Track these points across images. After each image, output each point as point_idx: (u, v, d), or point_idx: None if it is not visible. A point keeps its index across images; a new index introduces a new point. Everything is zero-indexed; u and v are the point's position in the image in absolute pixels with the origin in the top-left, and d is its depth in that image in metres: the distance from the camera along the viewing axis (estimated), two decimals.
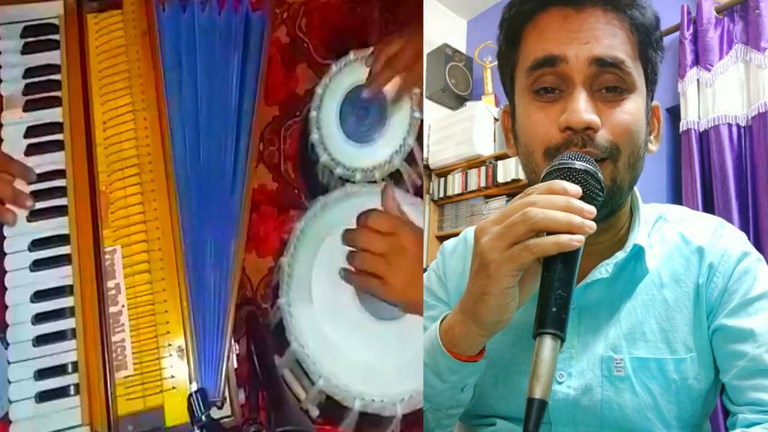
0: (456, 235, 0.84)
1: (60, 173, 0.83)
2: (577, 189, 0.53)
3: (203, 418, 0.68)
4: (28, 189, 0.81)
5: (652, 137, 0.67)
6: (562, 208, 0.51)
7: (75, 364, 0.76)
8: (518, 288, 0.54)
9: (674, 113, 2.20)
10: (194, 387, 0.75)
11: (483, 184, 2.69)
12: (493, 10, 3.21)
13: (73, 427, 0.74)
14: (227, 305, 0.80)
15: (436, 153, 2.89)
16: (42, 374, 0.75)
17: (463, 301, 0.58)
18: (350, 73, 0.91)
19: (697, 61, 2.11)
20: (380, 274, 0.71)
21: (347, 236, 0.73)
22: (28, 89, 0.86)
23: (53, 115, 0.85)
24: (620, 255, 0.66)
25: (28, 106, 0.85)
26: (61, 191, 0.82)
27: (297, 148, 0.95)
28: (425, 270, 0.81)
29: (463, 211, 2.81)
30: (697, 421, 0.67)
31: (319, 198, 0.85)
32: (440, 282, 0.79)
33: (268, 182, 0.93)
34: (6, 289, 0.78)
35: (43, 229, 0.81)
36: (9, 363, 0.76)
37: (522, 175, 2.52)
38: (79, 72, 0.86)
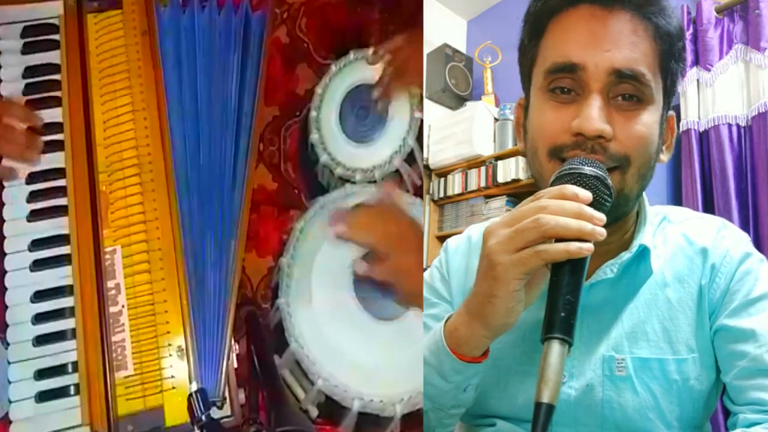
0: (456, 235, 0.84)
1: (60, 173, 0.83)
2: (587, 195, 0.53)
3: (203, 418, 0.68)
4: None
5: (664, 148, 0.67)
6: (574, 215, 0.51)
7: (75, 364, 0.76)
8: (525, 290, 0.54)
9: (674, 113, 2.20)
10: (194, 387, 0.75)
11: (483, 184, 2.68)
12: (493, 10, 3.21)
13: (73, 427, 0.74)
14: (227, 305, 0.80)
15: (436, 153, 2.89)
16: (42, 374, 0.76)
17: (469, 302, 0.58)
18: (350, 73, 0.91)
19: (697, 61, 2.11)
20: (378, 268, 0.71)
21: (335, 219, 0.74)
22: (28, 89, 0.86)
23: (53, 115, 0.85)
24: (626, 255, 0.66)
25: (28, 106, 0.85)
26: (61, 191, 0.82)
27: (297, 148, 0.95)
28: (426, 268, 0.81)
29: (463, 211, 2.80)
30: (699, 422, 0.67)
31: (318, 198, 0.85)
32: (443, 280, 0.79)
33: (268, 182, 0.93)
34: (6, 289, 0.79)
35: (43, 229, 0.81)
36: (9, 363, 0.76)
37: (522, 175, 2.52)
38: (79, 72, 0.86)
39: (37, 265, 0.79)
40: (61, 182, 0.82)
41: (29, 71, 0.87)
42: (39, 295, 0.78)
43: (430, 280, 0.80)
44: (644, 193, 0.70)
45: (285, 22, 0.98)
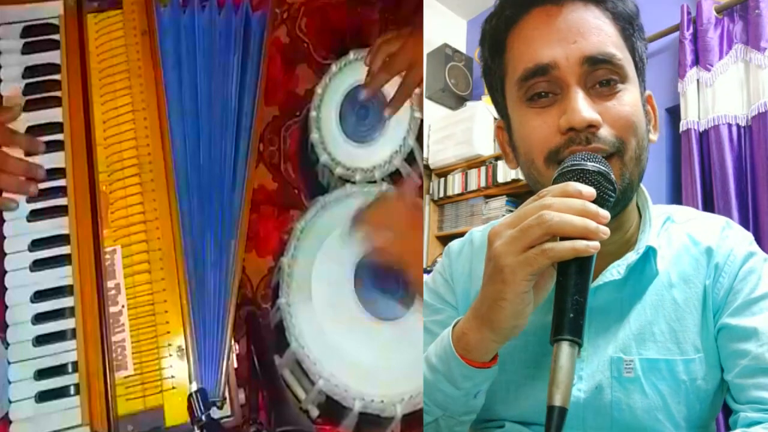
0: (456, 235, 0.84)
1: (60, 173, 0.83)
2: (591, 191, 0.52)
3: (203, 418, 0.68)
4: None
5: (650, 127, 0.67)
6: (578, 212, 0.50)
7: (75, 364, 0.76)
8: (532, 292, 0.53)
9: (674, 113, 2.20)
10: (194, 387, 0.75)
11: (483, 184, 2.69)
12: None
13: (73, 427, 0.74)
14: (227, 305, 0.80)
15: (436, 153, 2.89)
16: (42, 374, 0.75)
17: (476, 306, 0.57)
18: (350, 73, 0.91)
19: (697, 61, 2.11)
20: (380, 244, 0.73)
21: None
22: (28, 89, 0.86)
23: (53, 115, 0.85)
24: (632, 256, 0.66)
25: (28, 106, 0.85)
26: (61, 191, 0.82)
27: (297, 148, 0.95)
28: (428, 271, 0.81)
29: (463, 211, 2.81)
30: (705, 422, 0.67)
31: (318, 198, 0.85)
32: (447, 285, 0.79)
33: (268, 182, 0.93)
34: (6, 289, 0.78)
35: (43, 229, 0.81)
36: (9, 363, 0.76)
37: (522, 175, 2.53)
38: (79, 72, 0.86)
39: (37, 265, 0.79)
40: (61, 182, 0.82)
41: (29, 71, 0.87)
42: (39, 295, 0.78)
43: (434, 285, 0.80)
44: (647, 194, 0.70)
45: (285, 22, 0.98)
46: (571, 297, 0.50)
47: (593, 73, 0.60)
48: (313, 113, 0.90)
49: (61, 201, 0.82)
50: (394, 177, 0.86)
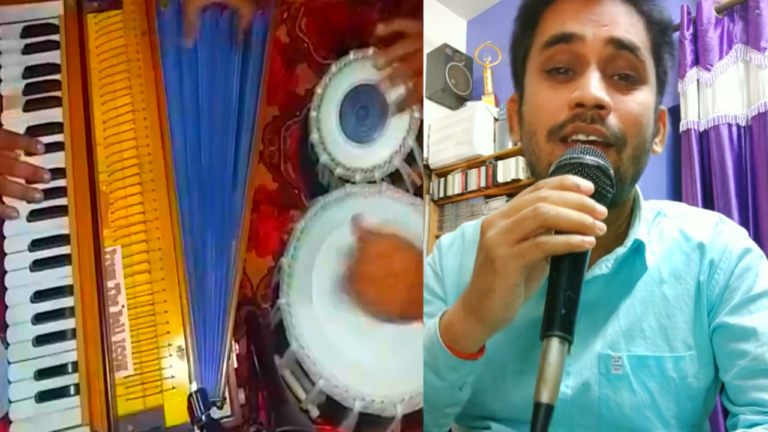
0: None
1: (60, 173, 0.83)
2: (589, 186, 0.51)
3: (203, 418, 0.68)
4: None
5: (657, 140, 0.67)
6: (575, 206, 0.49)
7: (75, 364, 0.76)
8: (524, 284, 0.52)
9: (674, 113, 2.20)
10: (194, 387, 0.75)
11: (483, 184, 2.69)
12: (493, 10, 3.21)
13: (73, 427, 0.74)
14: (227, 305, 0.79)
15: (436, 153, 2.89)
16: (42, 374, 0.75)
17: (465, 297, 0.56)
18: (350, 73, 0.91)
19: (697, 61, 2.11)
20: (379, 299, 0.73)
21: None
22: (28, 89, 0.86)
23: (53, 115, 0.85)
24: (620, 250, 0.65)
25: (28, 106, 0.85)
26: (61, 191, 0.82)
27: (297, 148, 0.95)
28: None
29: (463, 211, 2.81)
30: (697, 420, 0.66)
31: (318, 198, 0.85)
32: (437, 278, 0.78)
33: (268, 182, 0.93)
34: (6, 289, 0.78)
35: (43, 229, 0.81)
36: (9, 363, 0.76)
37: (522, 175, 2.52)
38: (79, 72, 0.86)
39: (37, 265, 0.79)
40: (61, 182, 0.82)
41: (29, 71, 0.87)
42: (39, 295, 0.78)
43: (424, 278, 0.79)
44: (640, 189, 0.70)
45: (285, 21, 0.98)
46: (564, 292, 0.49)
47: (615, 60, 0.60)
48: (313, 113, 0.90)
49: (61, 201, 0.81)
50: (394, 177, 0.86)
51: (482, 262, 0.53)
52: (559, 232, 0.49)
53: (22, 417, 0.74)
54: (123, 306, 0.77)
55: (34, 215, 0.81)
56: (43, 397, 0.75)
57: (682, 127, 2.11)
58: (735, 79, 2.01)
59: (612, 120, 0.59)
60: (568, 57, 0.61)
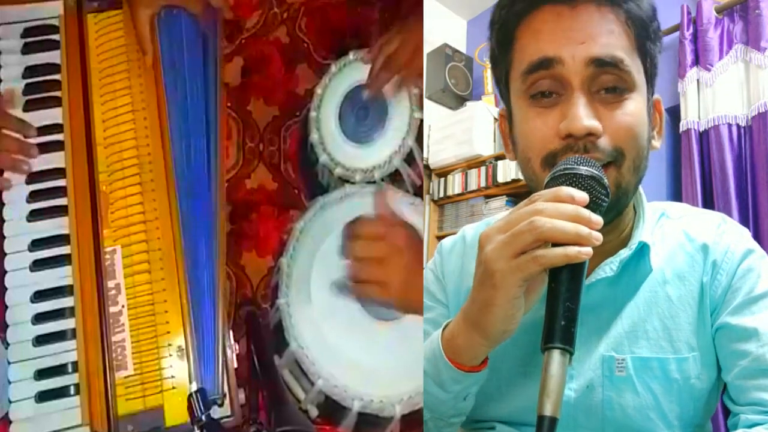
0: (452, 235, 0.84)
1: (60, 173, 0.83)
2: (584, 196, 0.51)
3: (203, 417, 0.68)
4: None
5: (654, 133, 0.66)
6: (570, 218, 0.49)
7: (75, 364, 0.76)
8: (523, 297, 0.52)
9: (674, 113, 2.20)
10: (194, 387, 0.75)
11: (483, 184, 2.68)
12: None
13: (73, 427, 0.74)
14: (222, 305, 0.79)
15: (436, 153, 2.89)
16: (42, 374, 0.76)
17: (466, 310, 0.56)
18: (350, 73, 0.91)
19: (697, 61, 2.11)
20: (377, 279, 0.71)
21: (343, 250, 0.73)
22: (28, 89, 0.86)
23: (53, 115, 0.85)
24: (625, 252, 0.65)
25: (28, 106, 0.85)
26: (61, 191, 0.82)
27: (297, 148, 0.95)
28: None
29: (463, 211, 2.80)
30: (699, 421, 0.66)
31: (318, 198, 0.85)
32: (438, 282, 0.78)
33: (268, 182, 0.93)
34: (6, 289, 0.79)
35: (43, 229, 0.81)
36: (9, 363, 0.76)
37: (522, 175, 2.53)
38: (79, 72, 0.86)
39: (37, 265, 0.79)
40: (61, 182, 0.82)
41: (29, 71, 0.87)
42: (39, 295, 0.78)
43: (426, 284, 0.79)
44: (642, 190, 0.70)
45: (285, 21, 0.98)
46: (563, 304, 0.49)
47: (599, 77, 0.59)
48: (312, 113, 0.90)
49: (61, 201, 0.82)
50: (394, 177, 0.86)
51: (481, 277, 0.53)
52: (556, 244, 0.49)
53: (22, 417, 0.74)
54: (123, 306, 0.78)
55: (34, 215, 0.81)
56: (43, 397, 0.75)
57: (682, 127, 2.10)
58: (735, 79, 2.01)
59: (604, 141, 0.58)
60: (550, 82, 0.60)
